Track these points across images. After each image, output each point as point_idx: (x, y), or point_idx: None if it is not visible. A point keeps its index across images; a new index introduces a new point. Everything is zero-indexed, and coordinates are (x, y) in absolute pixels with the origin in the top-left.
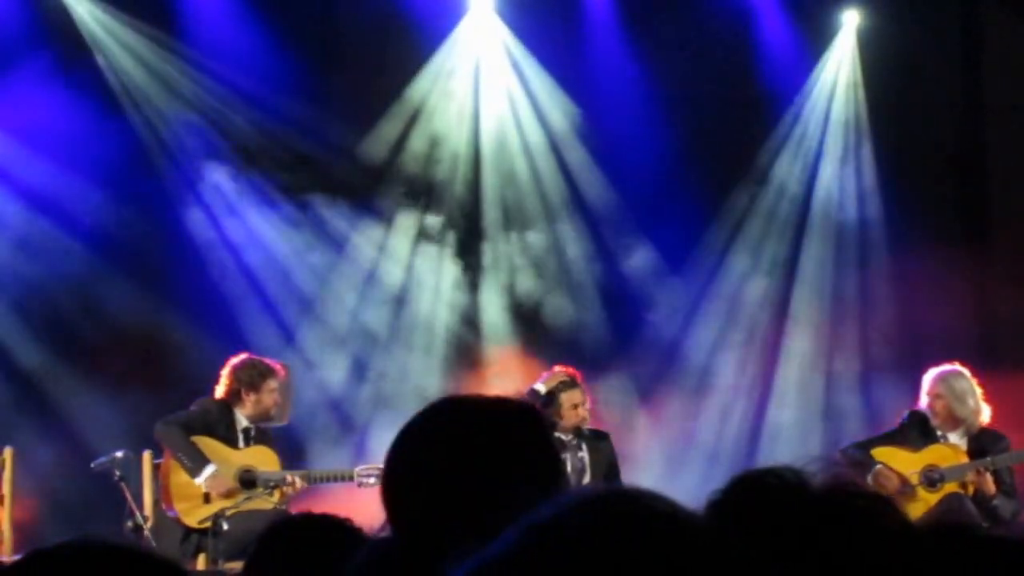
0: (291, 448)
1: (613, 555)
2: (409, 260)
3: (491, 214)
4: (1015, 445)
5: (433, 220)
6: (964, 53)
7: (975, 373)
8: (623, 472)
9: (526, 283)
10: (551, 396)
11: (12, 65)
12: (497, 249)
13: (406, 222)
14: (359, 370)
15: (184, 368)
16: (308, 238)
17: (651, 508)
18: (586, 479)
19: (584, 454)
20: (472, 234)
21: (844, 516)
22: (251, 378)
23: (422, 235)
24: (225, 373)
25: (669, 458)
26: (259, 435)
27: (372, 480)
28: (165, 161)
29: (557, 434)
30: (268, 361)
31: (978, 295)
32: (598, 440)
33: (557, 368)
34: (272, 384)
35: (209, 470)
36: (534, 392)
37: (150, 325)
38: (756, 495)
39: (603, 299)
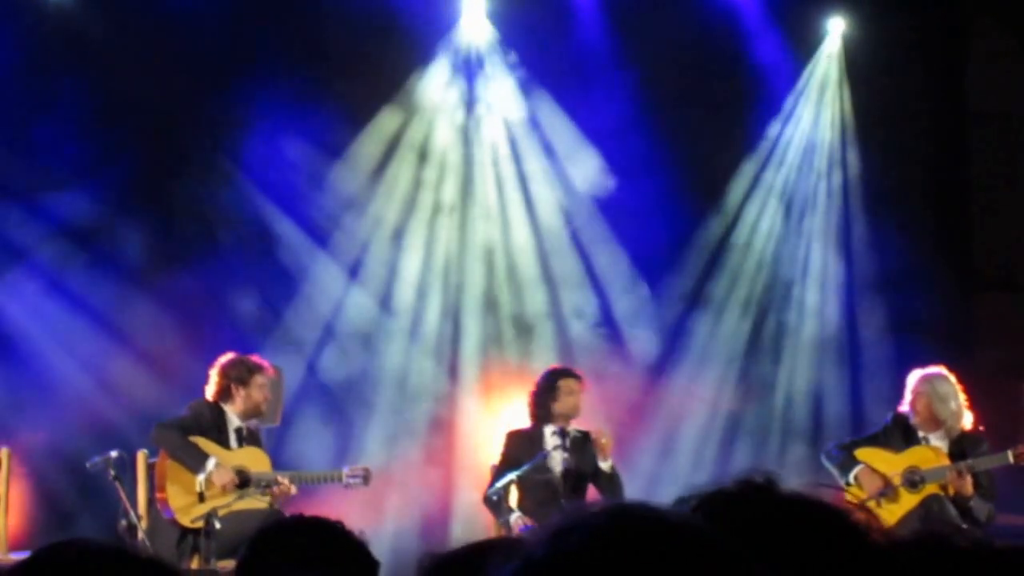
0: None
1: (651, 559)
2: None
3: None
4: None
5: None
6: (948, 61)
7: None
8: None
9: None
10: (552, 378)
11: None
12: None
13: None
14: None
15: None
16: None
17: (677, 521)
18: (559, 471)
19: (566, 454)
20: None
21: (811, 527)
22: (240, 374)
23: None
24: (214, 372)
25: None
26: (250, 436)
27: (358, 481)
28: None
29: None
30: (255, 358)
31: (960, 298)
32: (584, 441)
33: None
34: (260, 380)
35: (211, 463)
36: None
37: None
38: (727, 505)
39: None
